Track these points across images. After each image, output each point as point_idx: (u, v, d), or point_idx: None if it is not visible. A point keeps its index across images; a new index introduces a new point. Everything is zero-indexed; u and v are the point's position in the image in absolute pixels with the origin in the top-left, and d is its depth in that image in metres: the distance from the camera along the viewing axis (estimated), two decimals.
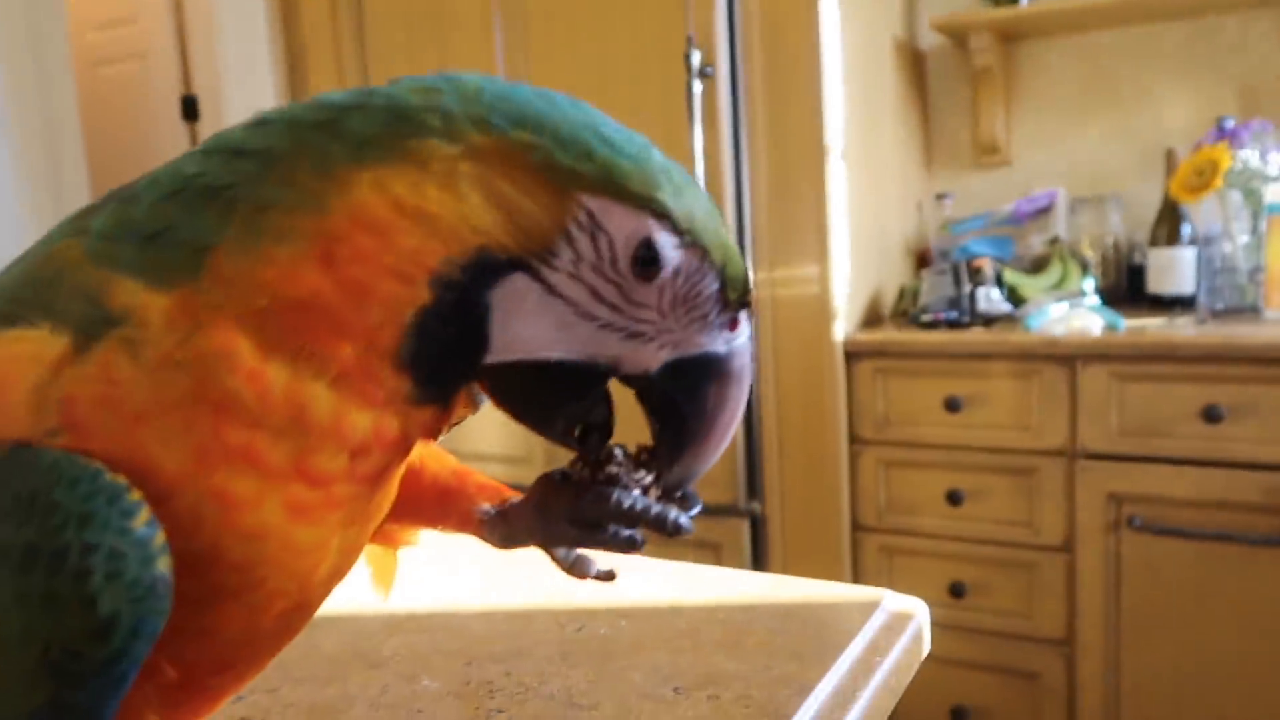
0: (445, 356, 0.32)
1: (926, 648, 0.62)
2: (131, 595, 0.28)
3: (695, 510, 0.39)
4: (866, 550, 1.97)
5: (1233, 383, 1.65)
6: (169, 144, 3.24)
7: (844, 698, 0.52)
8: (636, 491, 0.38)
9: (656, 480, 0.39)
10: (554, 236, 0.32)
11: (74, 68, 2.75)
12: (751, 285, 0.37)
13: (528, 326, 0.33)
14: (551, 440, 0.37)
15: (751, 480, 1.96)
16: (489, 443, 2.09)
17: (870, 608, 0.61)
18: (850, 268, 1.97)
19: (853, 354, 1.92)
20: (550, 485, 0.41)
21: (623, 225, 0.33)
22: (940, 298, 1.98)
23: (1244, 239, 1.89)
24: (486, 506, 0.44)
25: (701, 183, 1.85)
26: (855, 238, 1.99)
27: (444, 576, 0.71)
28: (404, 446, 0.34)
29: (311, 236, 0.30)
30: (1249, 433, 1.64)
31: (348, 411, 0.31)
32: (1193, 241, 1.95)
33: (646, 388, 0.36)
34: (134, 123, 3.44)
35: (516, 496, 0.44)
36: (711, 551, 1.96)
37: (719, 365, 0.36)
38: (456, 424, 0.47)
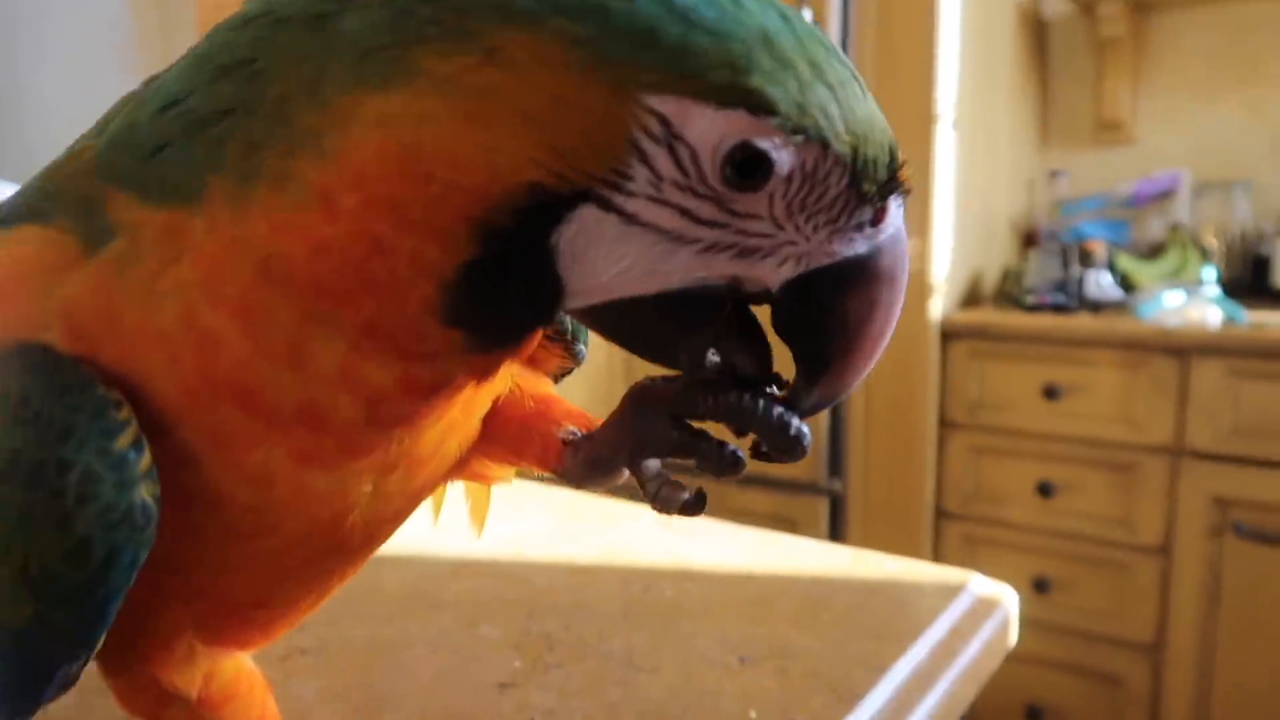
0: (508, 308, 0.27)
1: (1014, 638, 0.58)
2: (105, 520, 0.26)
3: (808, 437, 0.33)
4: (949, 538, 1.90)
5: None
6: None
7: (922, 682, 0.49)
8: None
9: (791, 399, 0.31)
10: (622, 154, 0.25)
11: (198, 8, 2.82)
12: (901, 164, 0.29)
13: (610, 265, 0.27)
14: (683, 369, 0.31)
15: (834, 457, 1.91)
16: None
17: (955, 590, 0.58)
18: (952, 244, 1.89)
19: (949, 334, 1.85)
20: (655, 381, 0.34)
21: (707, 131, 0.25)
22: (1046, 280, 1.89)
23: None
24: (571, 428, 0.39)
25: None
26: (960, 212, 1.90)
27: (511, 523, 0.70)
28: (448, 389, 0.29)
29: (312, 185, 0.25)
30: None
31: (361, 365, 0.27)
32: None
33: (774, 304, 0.30)
34: None
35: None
36: (788, 528, 1.93)
37: (860, 270, 0.29)
38: (560, 376, 0.43)
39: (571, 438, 0.38)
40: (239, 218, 0.26)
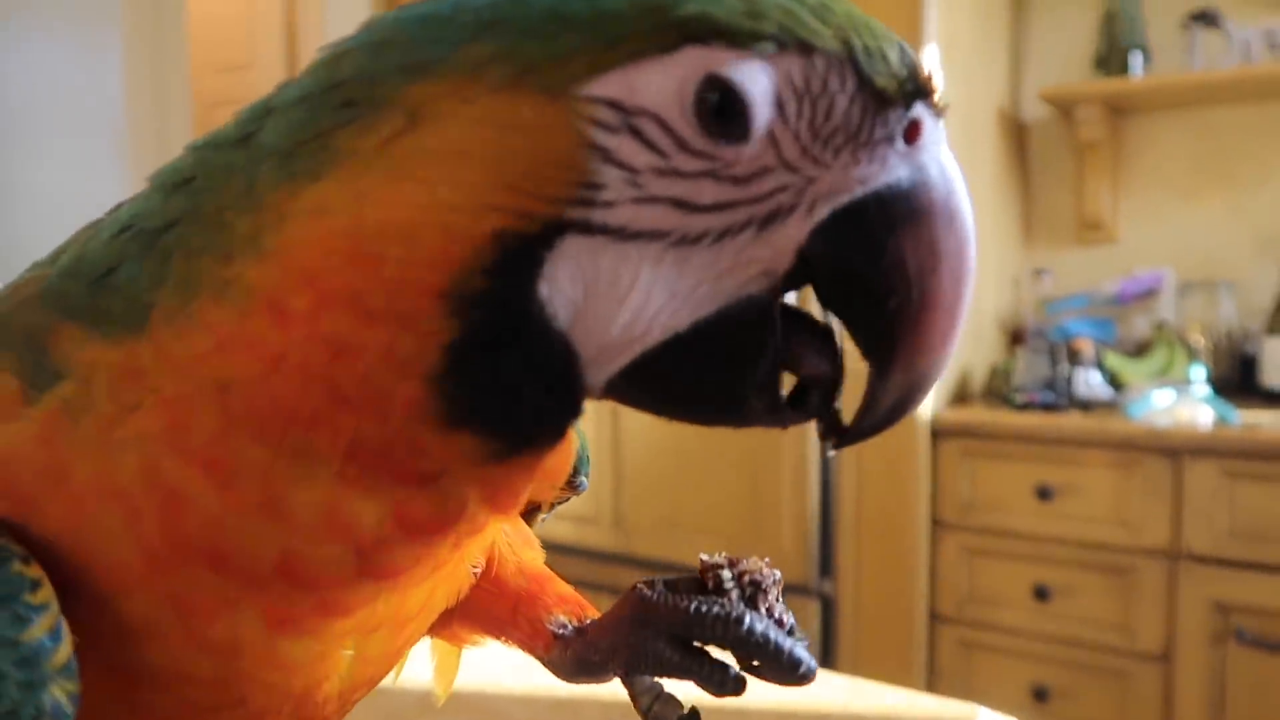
0: (516, 391, 0.23)
1: None
2: None
3: (806, 643, 0.31)
4: (944, 643, 1.85)
5: None
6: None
7: None
8: (761, 613, 0.30)
9: (867, 406, 0.26)
10: (581, 161, 0.22)
11: (193, 108, 2.87)
12: (921, 67, 0.24)
13: (619, 302, 0.23)
14: (758, 424, 0.26)
15: (825, 558, 1.87)
16: None
17: None
18: None
19: (939, 432, 1.83)
20: (652, 593, 0.32)
21: (659, 85, 0.22)
22: (1035, 378, 1.89)
23: None
24: (562, 619, 0.36)
25: None
26: None
27: (485, 652, 0.67)
28: (450, 525, 0.25)
29: (253, 289, 0.23)
30: None
31: (346, 503, 0.24)
32: None
33: (818, 278, 0.25)
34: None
35: (597, 615, 0.37)
36: None
37: (904, 201, 0.24)
38: (555, 506, 0.40)
39: (563, 631, 0.35)
40: (182, 334, 0.24)
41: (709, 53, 0.22)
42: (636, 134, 0.22)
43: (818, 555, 1.86)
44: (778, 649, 0.29)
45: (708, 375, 0.25)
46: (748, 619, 0.29)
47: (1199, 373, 1.86)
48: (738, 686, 0.30)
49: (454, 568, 0.32)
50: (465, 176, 0.22)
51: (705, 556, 0.33)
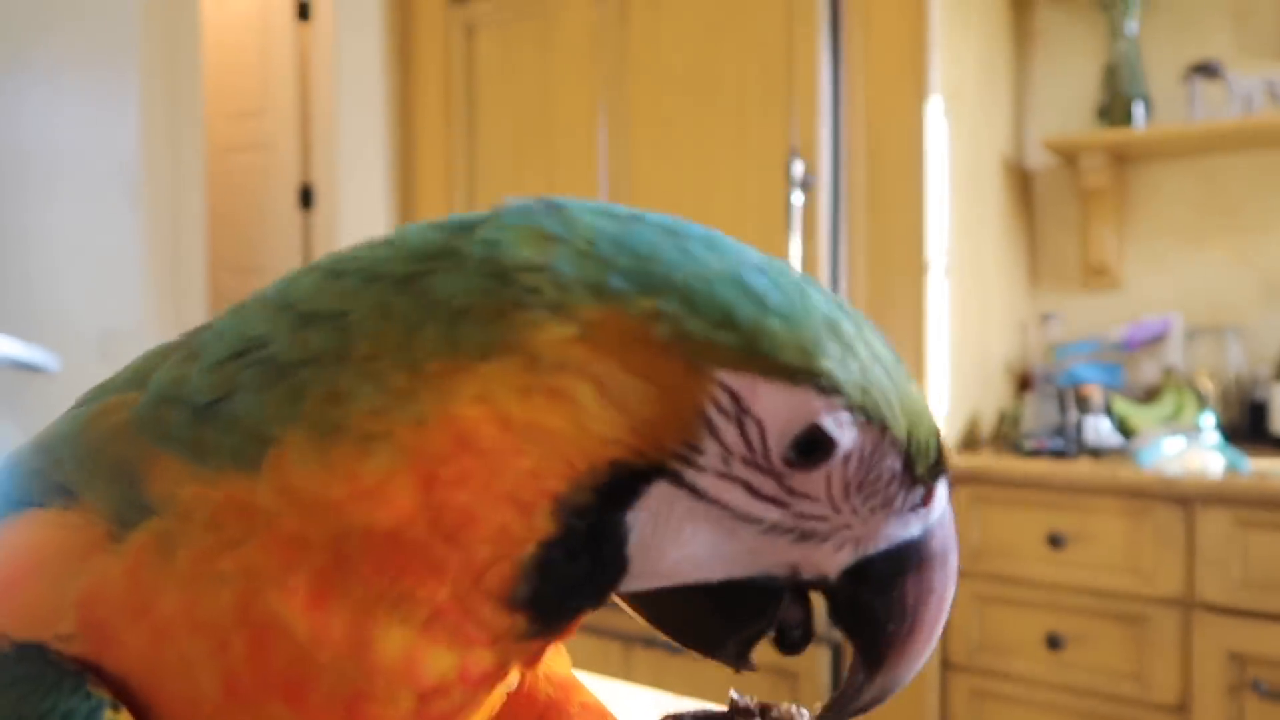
0: (573, 591, 0.26)
1: None
2: None
3: None
4: (956, 692, 1.83)
5: None
6: (285, 230, 3.39)
7: None
8: None
9: (851, 693, 0.31)
10: (694, 428, 0.26)
11: (205, 153, 2.92)
12: (944, 450, 0.29)
13: (678, 544, 0.27)
14: (718, 660, 0.31)
15: None
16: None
17: None
18: (948, 388, 1.89)
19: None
20: None
21: (777, 409, 0.26)
22: (1044, 425, 1.89)
23: None
24: None
25: None
26: (955, 357, 1.92)
27: None
28: (497, 679, 0.28)
29: (404, 449, 0.24)
30: None
31: (427, 651, 0.25)
32: None
33: (829, 591, 0.30)
34: (254, 208, 3.61)
35: None
36: (788, 681, 1.86)
37: (915, 552, 0.29)
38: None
39: None
40: (313, 478, 0.24)
41: (822, 403, 0.26)
42: (740, 426, 0.26)
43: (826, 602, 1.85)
44: None
45: (709, 618, 0.29)
46: None
47: (1209, 420, 1.86)
48: None
49: (492, 703, 0.33)
50: (607, 406, 0.25)
51: (735, 696, 0.35)
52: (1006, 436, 2.00)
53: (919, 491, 0.28)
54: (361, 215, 2.76)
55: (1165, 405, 1.97)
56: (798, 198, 1.84)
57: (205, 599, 0.25)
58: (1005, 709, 1.79)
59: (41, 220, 2.73)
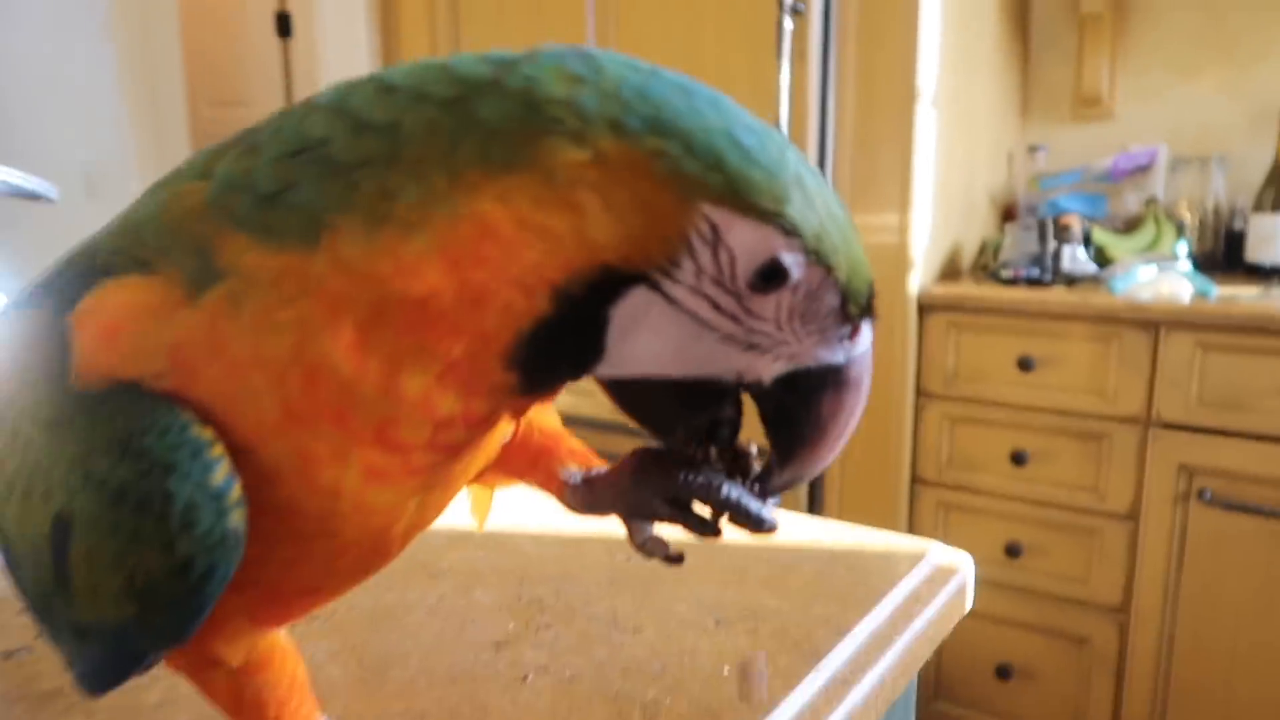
0: (558, 362, 0.33)
1: (969, 603, 0.62)
2: (204, 544, 0.30)
3: (776, 502, 0.40)
4: (924, 504, 1.96)
5: None
6: (265, 61, 3.30)
7: (880, 642, 0.53)
8: (736, 480, 0.39)
9: (764, 476, 0.39)
10: (677, 248, 0.31)
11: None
12: (874, 293, 0.35)
13: (648, 340, 0.32)
14: (670, 445, 0.38)
15: None
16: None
17: (916, 558, 0.62)
18: (932, 218, 1.93)
19: (926, 306, 1.89)
20: (649, 459, 0.41)
21: (747, 241, 0.31)
22: (1023, 254, 1.93)
23: None
24: (573, 471, 0.45)
25: (785, 122, 1.83)
26: (940, 187, 1.94)
27: (504, 499, 0.74)
28: (492, 422, 0.35)
29: (438, 237, 0.30)
30: None
31: (440, 394, 0.32)
32: None
33: (761, 394, 0.36)
34: (231, 37, 3.50)
35: (603, 465, 0.46)
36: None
37: (836, 375, 0.35)
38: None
39: (573, 480, 0.45)
40: (363, 254, 0.30)
41: (783, 241, 0.32)
42: (715, 253, 0.31)
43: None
44: (747, 511, 0.38)
45: (666, 407, 0.36)
46: (724, 488, 0.38)
47: (1183, 248, 1.91)
48: (716, 534, 0.40)
49: (487, 444, 0.40)
50: (607, 219, 0.30)
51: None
52: (986, 266, 2.05)
53: (849, 327, 0.34)
54: (341, 42, 2.69)
55: (1144, 235, 2.01)
56: (788, 24, 1.81)
57: (268, 343, 0.31)
58: (970, 519, 1.93)
59: (8, 48, 2.65)
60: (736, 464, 0.39)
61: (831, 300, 0.33)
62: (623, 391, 0.35)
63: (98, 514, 0.31)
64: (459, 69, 0.32)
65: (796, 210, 0.32)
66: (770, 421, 0.37)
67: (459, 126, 0.30)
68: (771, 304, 0.33)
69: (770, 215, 0.31)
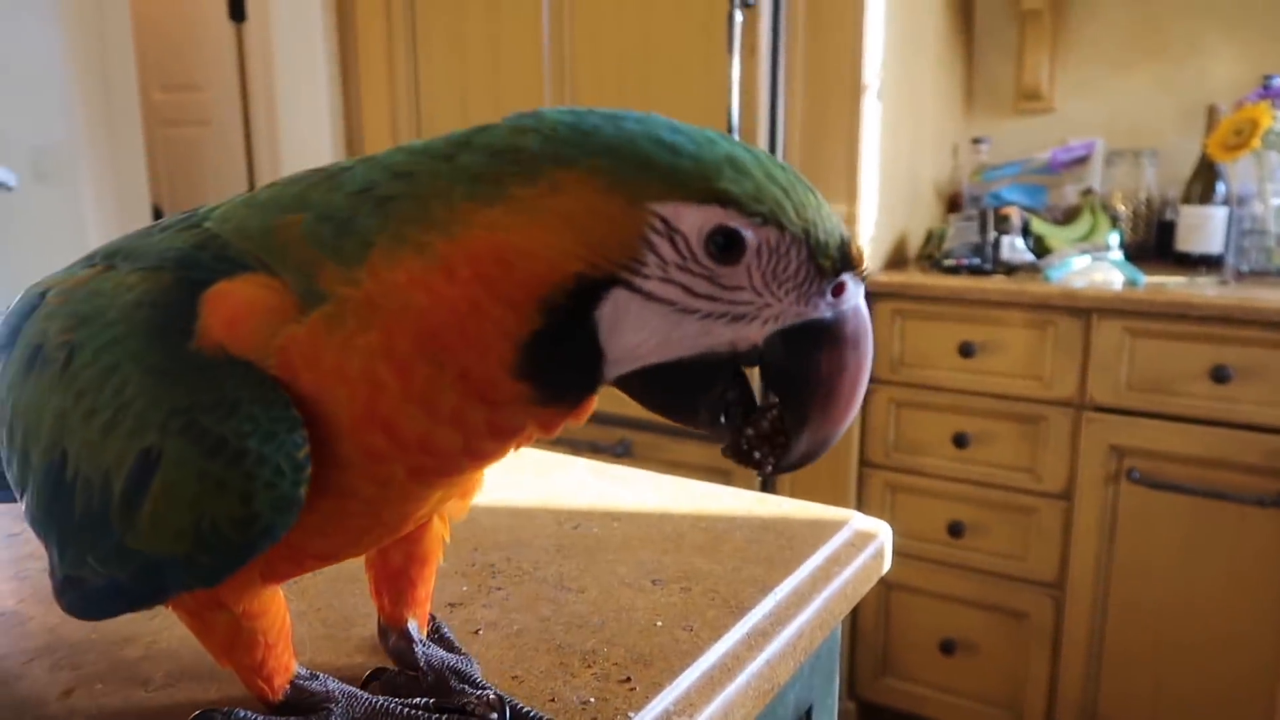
0: (564, 370, 0.37)
1: (887, 565, 0.68)
2: (275, 505, 0.36)
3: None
4: (872, 486, 2.03)
5: (1244, 345, 1.67)
6: (218, 45, 3.28)
7: (799, 599, 0.58)
8: (765, 449, 0.40)
9: (785, 452, 0.39)
10: (637, 247, 0.35)
11: None
12: (853, 249, 0.37)
13: (637, 334, 0.36)
14: (699, 429, 0.40)
15: None
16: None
17: (838, 526, 0.67)
18: (878, 208, 1.99)
19: (872, 294, 1.96)
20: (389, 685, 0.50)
21: (694, 222, 0.35)
22: (965, 244, 2.01)
23: (1276, 201, 1.88)
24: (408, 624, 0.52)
25: (736, 114, 1.87)
26: (886, 178, 2.00)
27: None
28: (520, 434, 0.39)
29: (440, 255, 0.36)
30: (1255, 395, 1.67)
31: (468, 405, 0.37)
32: (1226, 201, 1.95)
33: (764, 368, 0.38)
34: (183, 20, 3.46)
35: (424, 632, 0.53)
36: (722, 477, 2.03)
37: (826, 331, 0.37)
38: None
39: (393, 637, 0.53)
40: (391, 268, 0.36)
41: (724, 212, 0.36)
42: (671, 241, 0.36)
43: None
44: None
45: (681, 394, 0.39)
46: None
47: (1114, 239, 1.99)
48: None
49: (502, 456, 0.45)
50: (569, 234, 0.35)
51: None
52: (931, 256, 2.12)
53: (827, 281, 0.37)
54: (295, 26, 2.69)
55: (1081, 225, 2.09)
56: (739, 18, 1.86)
57: (346, 363, 0.37)
58: (914, 499, 2.00)
59: None
60: (766, 437, 0.40)
61: (798, 255, 0.36)
62: (636, 388, 0.39)
63: (190, 457, 0.36)
64: (452, 134, 0.38)
65: (729, 181, 0.35)
66: (781, 395, 0.39)
67: (452, 173, 0.37)
68: (743, 273, 0.36)
69: (706, 193, 0.35)
